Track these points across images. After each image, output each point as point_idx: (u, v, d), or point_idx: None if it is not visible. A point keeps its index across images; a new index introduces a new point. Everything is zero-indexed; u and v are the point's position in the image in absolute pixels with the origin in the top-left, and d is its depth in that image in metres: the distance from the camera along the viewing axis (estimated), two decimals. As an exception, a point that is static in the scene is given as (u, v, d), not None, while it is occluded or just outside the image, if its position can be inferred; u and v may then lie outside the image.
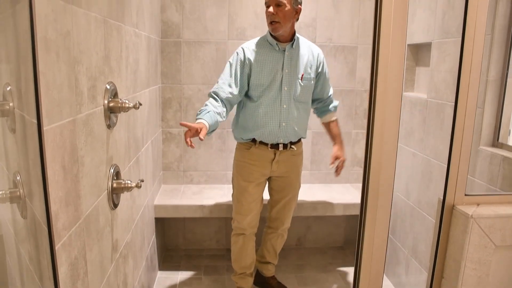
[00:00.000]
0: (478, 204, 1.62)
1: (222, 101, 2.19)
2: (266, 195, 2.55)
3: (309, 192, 3.15)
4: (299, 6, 2.23)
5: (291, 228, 2.75)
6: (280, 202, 2.51)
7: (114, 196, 1.72)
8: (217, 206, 2.91)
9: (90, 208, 1.43)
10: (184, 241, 3.39)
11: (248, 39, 2.45)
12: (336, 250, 3.45)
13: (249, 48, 2.30)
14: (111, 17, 1.65)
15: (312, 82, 2.37)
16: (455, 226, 1.61)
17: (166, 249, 3.35)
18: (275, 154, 2.34)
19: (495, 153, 2.12)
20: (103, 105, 1.55)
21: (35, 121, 1.03)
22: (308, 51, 2.36)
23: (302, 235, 3.47)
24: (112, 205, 1.70)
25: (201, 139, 1.90)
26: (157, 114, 3.00)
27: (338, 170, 2.53)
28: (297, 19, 2.28)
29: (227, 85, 2.23)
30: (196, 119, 2.06)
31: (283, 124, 2.29)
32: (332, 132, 2.59)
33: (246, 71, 2.26)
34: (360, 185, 1.50)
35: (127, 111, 1.66)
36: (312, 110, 2.57)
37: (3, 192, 1.26)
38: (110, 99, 1.60)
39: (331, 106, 2.54)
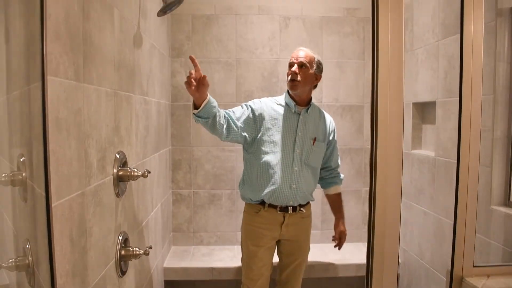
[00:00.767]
0: (488, 276, 1.56)
1: (225, 117, 2.18)
2: (275, 258, 2.52)
3: (321, 252, 3.10)
4: (320, 74, 2.31)
5: (303, 291, 2.69)
6: (289, 266, 2.46)
7: (122, 263, 1.71)
8: (227, 268, 2.87)
9: (97, 278, 1.43)
10: (195, 305, 3.32)
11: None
12: (351, 313, 3.33)
13: (265, 103, 2.34)
14: (121, 89, 1.72)
15: (324, 148, 2.39)
16: (465, 299, 1.55)
17: (176, 314, 3.27)
18: (284, 217, 2.33)
19: (508, 213, 2.08)
20: (113, 175, 1.59)
21: (43, 193, 1.05)
22: (322, 118, 2.41)
23: (315, 297, 3.37)
24: (119, 273, 1.69)
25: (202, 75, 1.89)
26: (167, 176, 3.03)
27: (340, 245, 2.54)
28: (315, 86, 2.35)
29: (234, 114, 2.24)
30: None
31: (294, 186, 2.29)
32: (336, 205, 2.58)
33: (257, 120, 2.27)
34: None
35: (136, 179, 1.69)
36: None
37: (12, 260, 1.27)
38: (119, 168, 1.63)
39: (337, 178, 2.55)
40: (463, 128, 1.55)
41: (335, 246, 2.57)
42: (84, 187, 1.29)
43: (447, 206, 2.34)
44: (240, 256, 2.48)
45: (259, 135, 2.29)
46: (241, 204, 2.88)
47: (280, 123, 2.29)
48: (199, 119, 2.05)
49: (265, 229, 2.34)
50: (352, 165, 3.28)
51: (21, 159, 1.27)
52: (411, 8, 2.82)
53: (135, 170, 1.67)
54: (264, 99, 2.38)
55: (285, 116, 2.30)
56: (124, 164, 1.70)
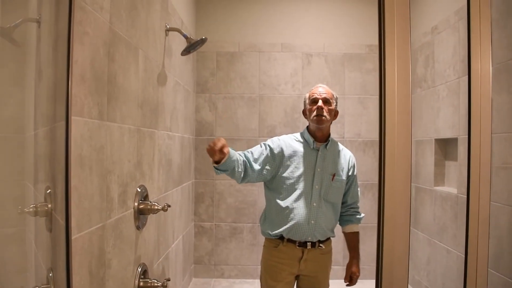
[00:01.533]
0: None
1: (243, 162, 2.25)
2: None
3: (342, 289, 3.05)
4: (338, 109, 2.36)
5: (323, 329, 2.64)
6: (308, 302, 2.44)
7: (141, 295, 1.74)
8: (247, 303, 2.86)
9: (115, 310, 1.46)
10: None
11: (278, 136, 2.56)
12: None
13: (284, 140, 2.39)
14: (144, 126, 1.80)
15: (343, 184, 2.40)
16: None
17: None
18: (303, 252, 2.32)
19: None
20: (133, 208, 1.64)
21: (64, 226, 1.11)
22: (341, 153, 2.42)
23: (337, 335, 3.30)
24: (138, 305, 1.72)
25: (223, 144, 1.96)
26: (190, 208, 3.08)
27: (350, 286, 2.50)
28: (331, 122, 2.40)
29: (252, 156, 2.30)
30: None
31: (312, 221, 2.29)
32: (351, 244, 2.55)
33: (276, 159, 2.32)
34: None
35: (156, 212, 1.74)
36: None
37: (37, 287, 1.33)
38: (140, 202, 1.69)
39: (354, 217, 2.54)
40: (473, 165, 1.55)
41: (346, 286, 2.52)
42: (105, 220, 1.35)
43: (470, 244, 2.29)
44: (259, 291, 2.48)
45: (279, 173, 2.33)
46: (262, 238, 2.89)
47: (299, 159, 2.33)
48: (219, 171, 2.14)
49: (283, 264, 2.34)
50: (374, 201, 3.26)
51: (48, 191, 1.34)
52: (432, 45, 2.85)
53: (156, 203, 1.72)
54: (282, 137, 2.43)
55: (304, 153, 2.34)
56: (145, 197, 1.76)
